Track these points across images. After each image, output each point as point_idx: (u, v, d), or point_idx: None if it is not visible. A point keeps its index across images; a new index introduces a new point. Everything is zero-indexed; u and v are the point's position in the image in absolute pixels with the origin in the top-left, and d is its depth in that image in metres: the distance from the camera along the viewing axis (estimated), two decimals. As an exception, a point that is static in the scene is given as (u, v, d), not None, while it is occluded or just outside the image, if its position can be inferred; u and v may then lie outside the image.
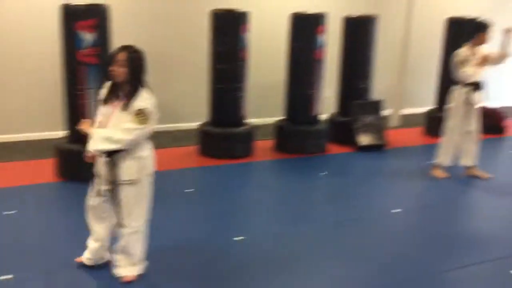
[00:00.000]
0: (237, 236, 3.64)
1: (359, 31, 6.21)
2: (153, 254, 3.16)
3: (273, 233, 3.76)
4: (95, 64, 4.38)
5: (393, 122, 7.78)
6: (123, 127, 2.68)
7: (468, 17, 6.43)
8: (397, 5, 7.57)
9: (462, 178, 5.15)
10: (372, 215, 4.19)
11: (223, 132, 5.58)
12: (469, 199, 4.76)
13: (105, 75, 2.89)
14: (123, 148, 2.71)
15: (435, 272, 3.23)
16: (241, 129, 5.68)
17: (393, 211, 4.23)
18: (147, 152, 2.85)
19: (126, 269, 2.98)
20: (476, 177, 5.14)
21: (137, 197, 2.85)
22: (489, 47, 4.88)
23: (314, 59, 5.77)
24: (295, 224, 3.94)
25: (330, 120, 6.62)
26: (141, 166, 2.80)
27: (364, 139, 6.19)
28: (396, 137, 7.03)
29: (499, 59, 4.79)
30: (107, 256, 3.11)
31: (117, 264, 2.99)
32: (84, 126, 2.82)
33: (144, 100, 2.73)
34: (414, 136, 7.17)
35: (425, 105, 7.94)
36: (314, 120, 6.05)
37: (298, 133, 5.91)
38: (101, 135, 2.70)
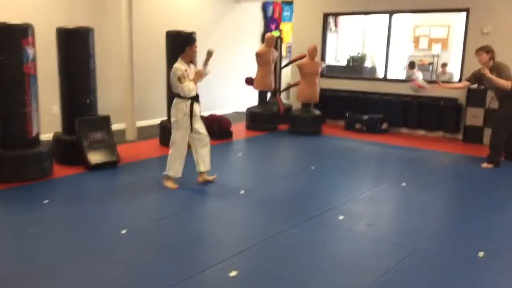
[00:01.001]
0: None
1: (74, 43, 5.79)
2: None
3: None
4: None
5: (129, 135, 7.63)
6: None
7: (184, 32, 6.71)
8: (117, 18, 7.43)
9: (196, 185, 5.28)
10: (101, 238, 3.88)
11: None
12: (200, 206, 4.90)
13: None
14: None
15: (170, 283, 3.13)
16: None
17: (123, 231, 4.00)
18: None
19: None
20: (208, 182, 5.33)
21: None
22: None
23: (25, 73, 5.12)
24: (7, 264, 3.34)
25: (54, 140, 6.02)
26: None
27: (94, 157, 5.81)
28: (132, 151, 6.90)
29: (198, 77, 5.02)
30: None
31: None
32: None
33: None
34: (150, 148, 7.16)
35: (159, 116, 8.03)
36: (33, 141, 5.38)
37: (15, 158, 5.16)
38: None
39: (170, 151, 5.13)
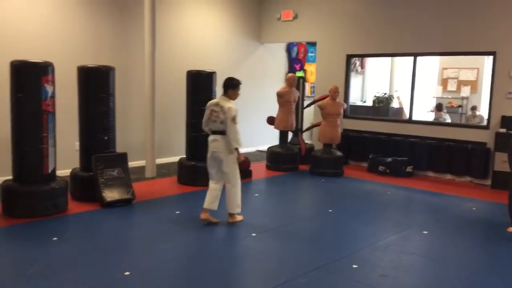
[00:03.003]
0: None
1: (95, 82, 5.90)
2: None
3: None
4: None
5: (149, 173, 7.64)
6: None
7: (205, 71, 6.79)
8: (141, 56, 7.59)
9: (207, 226, 5.16)
10: (102, 281, 3.78)
11: None
12: (208, 249, 4.76)
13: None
14: None
15: None
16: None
17: (126, 273, 3.90)
18: None
19: None
20: (209, 222, 5.22)
21: None
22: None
23: (43, 110, 5.22)
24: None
25: (71, 176, 6.07)
26: None
27: (109, 195, 5.80)
28: (150, 188, 6.88)
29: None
30: None
31: None
32: None
33: None
34: (168, 186, 7.12)
35: (179, 154, 8.03)
36: (49, 177, 5.41)
37: (28, 194, 5.19)
38: None
39: (234, 189, 5.25)
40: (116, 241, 4.76)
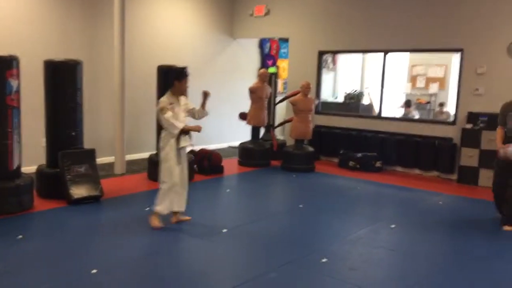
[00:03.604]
0: None
1: (62, 76, 5.76)
2: None
3: None
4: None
5: (118, 169, 7.52)
6: None
7: (176, 66, 6.70)
8: (110, 51, 7.44)
9: (177, 223, 5.11)
10: (69, 279, 3.70)
11: None
12: (178, 246, 4.72)
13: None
14: None
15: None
16: None
17: (93, 271, 3.83)
18: None
19: None
20: (181, 221, 5.15)
21: None
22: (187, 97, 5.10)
23: (7, 105, 5.07)
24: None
25: (37, 173, 5.92)
26: None
27: (77, 192, 5.68)
28: (119, 185, 6.77)
29: (198, 114, 5.09)
30: None
31: None
32: None
33: None
34: (137, 182, 7.02)
35: (149, 150, 7.93)
36: (13, 174, 5.26)
37: (-9, 191, 5.04)
38: None
39: (160, 186, 4.97)
40: (83, 238, 4.66)
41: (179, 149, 4.91)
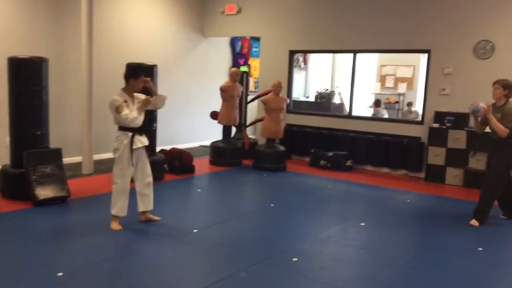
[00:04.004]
0: None
1: (26, 73, 5.58)
2: None
3: None
4: None
5: (85, 169, 7.36)
6: None
7: (146, 64, 6.61)
8: (77, 48, 7.28)
9: (146, 224, 5.03)
10: (34, 283, 3.59)
11: None
12: (146, 247, 4.65)
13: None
14: None
15: None
16: None
17: (59, 274, 3.73)
18: None
19: None
20: (151, 221, 5.09)
21: None
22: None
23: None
24: None
25: (1, 173, 5.74)
26: None
27: (42, 192, 5.52)
28: (86, 185, 6.63)
29: (157, 102, 4.96)
30: None
31: None
32: None
33: None
34: (105, 182, 6.85)
35: (119, 149, 7.78)
36: (-25, 175, 5.09)
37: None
38: None
39: (112, 188, 4.87)
40: (49, 240, 4.53)
41: (134, 150, 4.81)
